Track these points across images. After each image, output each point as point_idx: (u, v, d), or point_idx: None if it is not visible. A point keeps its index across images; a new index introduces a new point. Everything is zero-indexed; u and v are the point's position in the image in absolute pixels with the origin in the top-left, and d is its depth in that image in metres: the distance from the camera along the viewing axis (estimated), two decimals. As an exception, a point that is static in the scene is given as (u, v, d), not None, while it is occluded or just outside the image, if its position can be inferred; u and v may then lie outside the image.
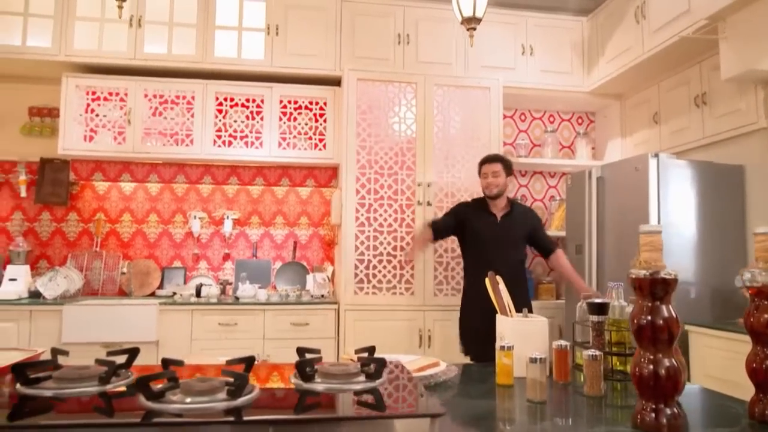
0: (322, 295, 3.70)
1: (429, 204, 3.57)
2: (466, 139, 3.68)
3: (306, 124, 3.80)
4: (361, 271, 3.51)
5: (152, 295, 3.73)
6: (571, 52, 3.97)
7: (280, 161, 3.79)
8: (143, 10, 3.59)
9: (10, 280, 3.51)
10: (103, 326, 3.31)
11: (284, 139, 3.75)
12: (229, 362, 0.85)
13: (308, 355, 0.98)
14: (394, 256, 3.55)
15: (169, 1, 3.62)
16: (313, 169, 4.03)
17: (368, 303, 3.49)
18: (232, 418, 0.69)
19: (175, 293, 3.62)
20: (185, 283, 3.86)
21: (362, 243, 3.52)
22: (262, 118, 3.73)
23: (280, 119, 3.74)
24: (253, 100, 3.75)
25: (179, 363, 0.86)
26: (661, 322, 0.87)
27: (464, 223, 3.06)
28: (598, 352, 1.14)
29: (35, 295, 3.43)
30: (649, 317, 0.88)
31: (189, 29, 3.63)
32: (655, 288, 0.88)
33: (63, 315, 3.25)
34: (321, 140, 3.79)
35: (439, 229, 3.08)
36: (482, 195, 3.10)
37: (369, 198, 3.55)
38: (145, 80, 3.61)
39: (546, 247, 3.09)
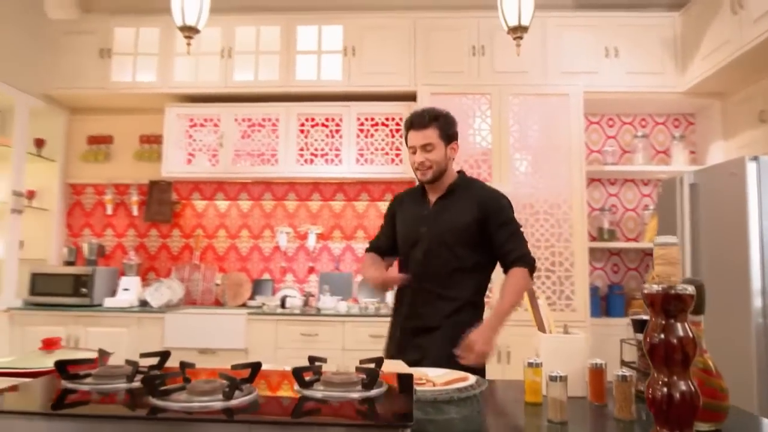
0: (400, 308, 3.73)
1: (506, 216, 3.49)
2: (545, 148, 3.56)
3: (383, 140, 3.89)
4: (437, 285, 3.50)
5: (243, 305, 3.99)
6: (661, 51, 3.71)
7: (359, 177, 3.90)
8: (233, 43, 3.90)
9: (124, 290, 3.93)
10: (199, 333, 3.60)
11: (362, 155, 3.86)
12: (234, 367, 0.91)
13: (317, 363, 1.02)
14: (471, 270, 3.50)
15: (255, 31, 3.90)
16: (391, 183, 4.10)
17: (444, 316, 3.47)
18: (217, 417, 0.75)
19: (263, 304, 3.84)
20: (273, 294, 4.08)
21: (438, 256, 3.52)
22: (341, 136, 3.88)
23: (358, 136, 3.87)
24: (333, 119, 3.91)
25: (191, 365, 0.95)
26: (675, 341, 0.80)
27: (395, 221, 2.08)
28: (628, 373, 1.06)
29: (143, 304, 3.81)
30: (662, 336, 0.81)
31: (273, 56, 3.88)
32: (668, 304, 0.81)
33: (165, 322, 3.58)
34: (397, 155, 3.86)
35: (381, 248, 2.11)
36: None
37: (444, 211, 3.54)
38: (235, 106, 3.91)
39: (500, 252, 1.86)
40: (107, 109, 4.26)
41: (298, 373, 0.91)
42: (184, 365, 0.96)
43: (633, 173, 3.98)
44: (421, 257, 1.88)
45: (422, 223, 1.91)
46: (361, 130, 3.89)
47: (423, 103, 3.61)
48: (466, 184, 1.99)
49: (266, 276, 4.16)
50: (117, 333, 3.60)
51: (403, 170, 3.82)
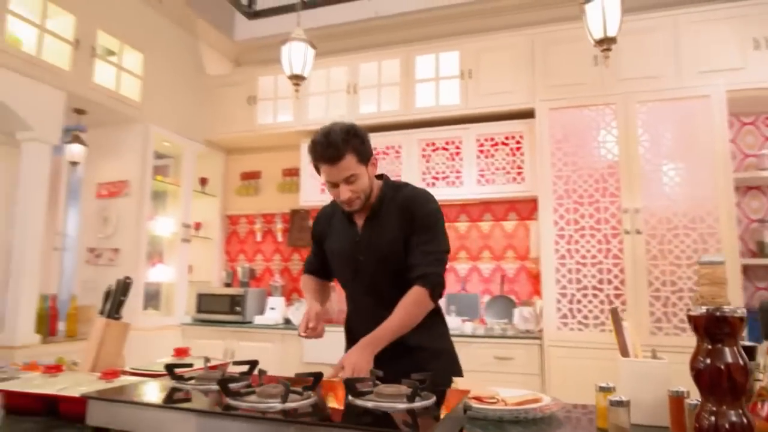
0: (528, 330, 3.64)
1: (639, 232, 3.25)
2: (682, 156, 3.26)
3: (503, 159, 3.86)
4: (564, 306, 3.37)
5: (374, 324, 4.18)
6: (827, 35, 3.20)
7: (480, 197, 3.92)
8: (357, 79, 4.20)
9: (271, 309, 4.37)
10: (334, 349, 3.85)
11: (482, 175, 3.87)
12: (298, 375, 1.03)
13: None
14: (601, 290, 3.31)
15: (377, 66, 4.16)
16: (515, 202, 4.04)
17: (573, 339, 3.31)
18: (272, 416, 0.87)
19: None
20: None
21: (564, 276, 3.39)
22: (461, 158, 3.93)
23: (478, 157, 3.89)
24: (452, 142, 3.99)
25: (264, 372, 1.09)
26: (721, 367, 0.73)
27: (323, 246, 1.89)
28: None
29: (287, 322, 4.20)
30: (708, 361, 0.74)
31: (393, 87, 4.09)
32: (713, 327, 0.74)
33: (304, 339, 3.90)
34: (519, 173, 3.80)
35: (318, 270, 1.96)
36: None
37: (569, 229, 3.41)
38: (361, 137, 4.18)
39: (410, 265, 1.65)
40: (255, 148, 4.83)
41: (349, 383, 1.00)
42: (261, 372, 1.11)
43: (800, 179, 3.44)
44: (365, 287, 1.73)
45: (356, 251, 1.73)
46: (481, 151, 3.91)
47: (541, 119, 3.54)
48: (392, 193, 1.74)
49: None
50: (264, 347, 4.01)
51: (525, 188, 3.75)
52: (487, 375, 3.42)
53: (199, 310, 4.37)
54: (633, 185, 3.29)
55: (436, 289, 1.64)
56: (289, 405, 0.94)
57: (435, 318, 1.77)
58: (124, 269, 3.91)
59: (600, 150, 3.42)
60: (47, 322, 3.39)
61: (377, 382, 1.08)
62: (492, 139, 3.89)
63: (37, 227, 3.23)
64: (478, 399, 1.22)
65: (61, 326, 3.53)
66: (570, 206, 3.42)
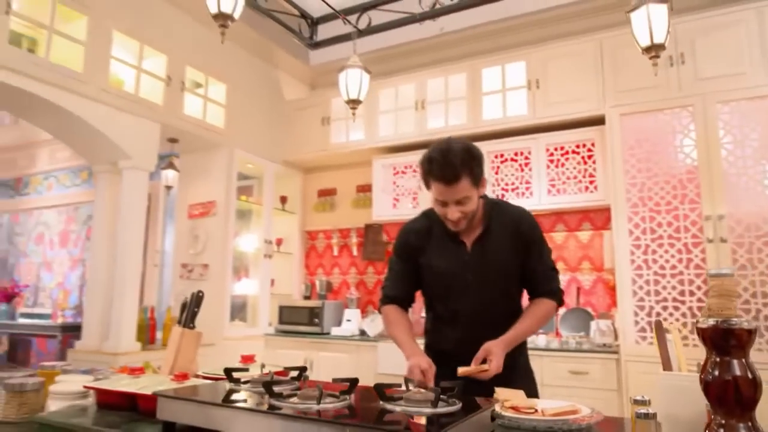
0: (605, 344, 3.51)
1: (723, 240, 3.05)
2: (770, 158, 3.03)
3: (575, 168, 3.78)
4: (642, 319, 3.23)
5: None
6: None
7: (551, 208, 3.85)
8: (425, 95, 4.29)
9: (347, 320, 4.52)
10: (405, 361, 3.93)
11: (553, 185, 3.81)
12: (335, 380, 1.12)
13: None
14: (682, 302, 3.13)
15: (444, 81, 4.23)
16: (588, 212, 3.92)
17: (654, 354, 3.14)
18: (306, 416, 0.97)
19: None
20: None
21: (641, 288, 3.25)
22: (530, 169, 3.90)
23: (548, 167, 3.83)
24: (521, 153, 3.96)
25: (306, 377, 1.20)
26: (729, 379, 0.72)
27: (419, 261, 1.83)
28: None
29: (362, 333, 4.33)
30: (716, 373, 0.73)
31: (460, 101, 4.14)
32: (721, 340, 0.73)
33: (378, 350, 4.01)
34: (591, 182, 3.70)
35: (404, 298, 1.90)
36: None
37: (645, 238, 3.27)
38: (429, 151, 4.26)
39: (532, 282, 1.75)
40: (330, 166, 5.05)
41: (379, 389, 1.08)
42: (305, 377, 1.21)
43: None
44: (469, 304, 1.73)
45: (466, 270, 1.72)
46: (551, 161, 3.85)
47: (612, 125, 3.44)
48: (496, 212, 1.77)
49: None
50: (340, 358, 4.17)
51: (598, 197, 3.64)
52: (562, 390, 3.34)
53: (281, 322, 4.61)
54: (715, 190, 3.11)
55: (561, 304, 1.77)
56: (324, 406, 1.03)
57: (524, 343, 1.85)
58: (213, 283, 4.23)
59: (677, 155, 3.26)
60: (147, 332, 3.75)
61: (413, 388, 1.14)
62: (562, 148, 3.82)
63: (136, 246, 3.61)
64: (516, 409, 1.25)
65: (159, 335, 3.89)
66: (645, 214, 3.28)
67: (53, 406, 1.46)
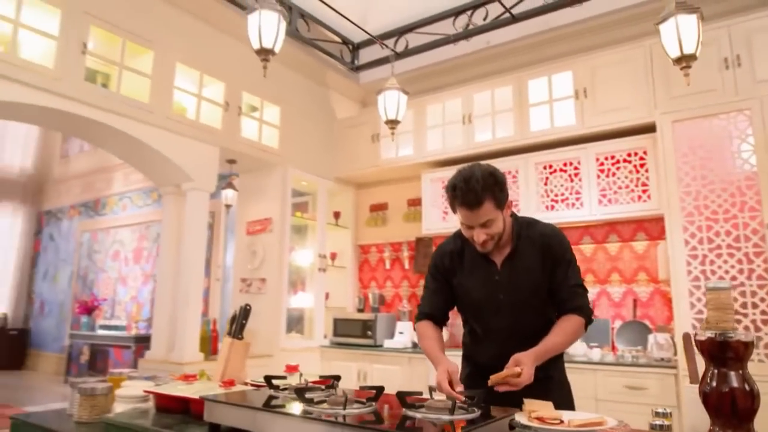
0: (662, 358, 3.39)
1: (788, 249, 2.90)
2: (838, 161, 2.87)
3: (626, 177, 3.70)
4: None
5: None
6: None
7: (603, 218, 3.78)
8: (472, 108, 4.33)
9: (399, 333, 4.59)
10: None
11: (604, 195, 3.74)
12: (362, 388, 1.19)
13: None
14: (745, 315, 2.99)
15: (490, 95, 4.26)
16: (643, 221, 3.81)
17: (715, 369, 3.02)
18: (331, 419, 1.06)
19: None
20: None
21: (699, 300, 3.13)
22: (580, 179, 3.85)
23: (598, 177, 3.77)
24: (570, 163, 3.92)
25: (337, 385, 1.28)
26: (726, 390, 0.73)
27: (452, 281, 1.88)
28: None
29: (414, 346, 4.38)
30: (714, 385, 0.74)
31: (507, 113, 4.16)
32: (717, 352, 0.75)
33: (429, 362, 4.04)
34: (644, 191, 3.61)
35: (438, 315, 1.94)
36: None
37: (702, 248, 3.16)
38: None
39: (559, 298, 1.76)
40: (381, 181, 5.17)
41: (401, 396, 1.15)
42: (335, 386, 1.30)
43: None
44: (508, 324, 1.77)
45: (497, 290, 1.78)
46: (602, 170, 3.78)
47: (663, 133, 3.36)
48: (526, 231, 1.81)
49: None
50: (392, 370, 4.23)
51: (652, 206, 3.55)
52: (617, 405, 3.25)
53: (336, 334, 4.74)
54: (777, 197, 2.96)
55: (590, 321, 1.77)
56: (350, 411, 1.11)
57: (560, 357, 1.87)
58: (270, 297, 4.43)
59: (734, 161, 3.13)
60: (209, 343, 3.97)
61: (435, 397, 1.21)
62: (612, 157, 3.75)
63: (198, 262, 3.84)
64: (541, 420, 1.27)
65: (221, 346, 4.10)
66: (702, 223, 3.17)
67: (119, 408, 1.62)
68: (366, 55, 2.30)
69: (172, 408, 1.51)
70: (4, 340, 8.69)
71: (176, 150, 3.70)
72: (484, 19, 2.05)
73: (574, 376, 3.45)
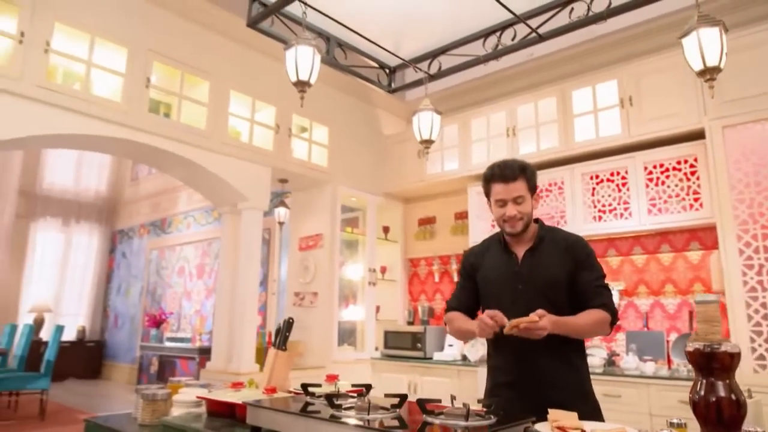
0: (721, 372, 3.26)
1: None
2: None
3: (677, 186, 3.61)
4: (760, 345, 2.98)
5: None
6: None
7: (652, 228, 3.70)
8: (516, 121, 4.36)
9: (449, 345, 4.62)
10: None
11: (654, 204, 3.66)
12: (386, 395, 1.28)
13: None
14: (807, 327, 2.86)
15: (534, 107, 4.27)
16: (696, 231, 3.70)
17: (775, 384, 2.89)
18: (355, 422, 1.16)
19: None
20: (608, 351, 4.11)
21: (756, 311, 3.01)
22: (628, 189, 3.78)
23: (647, 186, 3.70)
24: (617, 173, 3.86)
25: (366, 393, 1.37)
26: (713, 400, 0.76)
27: (476, 277, 2.01)
28: None
29: (464, 358, 4.41)
30: (702, 394, 0.77)
31: (551, 125, 4.15)
32: (704, 362, 0.78)
33: (478, 374, 4.07)
34: (696, 199, 3.51)
35: (466, 307, 2.03)
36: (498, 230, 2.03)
37: (758, 258, 3.04)
38: (522, 177, 4.29)
39: (585, 296, 1.81)
40: (428, 196, 5.25)
41: (421, 403, 1.23)
42: (363, 395, 1.40)
43: None
44: (524, 314, 1.77)
45: (517, 280, 1.87)
46: (650, 179, 3.71)
47: (713, 139, 3.27)
48: (549, 233, 1.93)
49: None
50: (442, 382, 4.27)
51: (704, 215, 3.44)
52: (673, 421, 3.15)
53: (386, 346, 4.83)
54: (839, 203, 2.82)
55: (615, 319, 1.82)
56: (373, 417, 1.21)
57: (584, 358, 1.93)
58: (322, 310, 4.58)
59: (791, 166, 3.01)
60: (264, 354, 4.16)
61: (454, 405, 1.28)
62: (661, 165, 3.68)
63: (253, 277, 4.05)
64: (562, 429, 1.31)
65: (267, 356, 4.29)
66: (757, 232, 3.06)
67: (176, 411, 1.78)
68: (404, 77, 2.41)
69: (221, 412, 1.65)
70: (83, 351, 9.35)
71: (231, 172, 3.94)
72: (512, 39, 2.12)
73: (626, 390, 3.42)
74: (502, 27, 2.15)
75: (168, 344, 7.50)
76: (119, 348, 9.31)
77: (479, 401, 1.47)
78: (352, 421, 1.18)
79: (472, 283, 2.01)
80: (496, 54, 2.12)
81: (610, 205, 3.89)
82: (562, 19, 2.03)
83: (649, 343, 3.77)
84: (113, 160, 9.99)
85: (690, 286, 3.76)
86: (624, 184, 3.82)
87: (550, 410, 1.51)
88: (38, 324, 8.23)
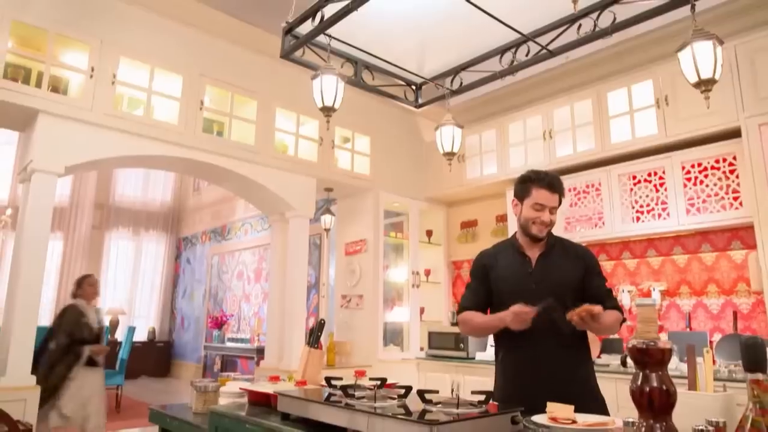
0: (764, 373, 3.22)
1: None
2: None
3: (715, 185, 3.57)
4: (802, 346, 2.93)
5: (591, 363, 4.17)
6: None
7: (691, 228, 3.67)
8: (552, 125, 4.42)
9: (491, 346, 4.72)
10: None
11: (692, 204, 3.64)
12: (419, 391, 1.47)
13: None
14: None
15: (569, 109, 4.31)
16: (738, 230, 3.64)
17: (819, 386, 2.84)
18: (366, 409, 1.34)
19: (608, 364, 3.95)
20: (622, 352, 4.11)
21: (797, 311, 2.96)
22: (665, 189, 3.77)
23: (685, 185, 3.68)
24: (655, 173, 3.86)
25: (381, 386, 1.56)
26: (647, 389, 0.88)
27: (489, 277, 2.09)
28: (702, 426, 1.01)
29: (505, 359, 4.49)
30: (638, 383, 0.90)
31: (587, 127, 4.19)
32: (640, 357, 0.90)
33: (519, 375, 4.15)
34: (735, 198, 3.47)
35: (479, 307, 2.10)
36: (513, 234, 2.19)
37: (798, 256, 2.99)
38: (559, 179, 4.35)
39: (598, 298, 1.91)
40: (469, 199, 5.37)
41: (421, 394, 1.40)
42: (379, 387, 1.59)
43: None
44: (539, 316, 1.88)
45: (530, 280, 2.00)
46: (688, 179, 3.69)
47: (749, 137, 3.24)
48: (559, 242, 2.09)
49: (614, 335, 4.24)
50: (484, 381, 4.38)
51: (745, 213, 3.40)
52: (713, 421, 3.14)
53: (430, 347, 4.99)
54: None
55: (624, 320, 2.01)
56: (380, 405, 1.39)
57: (590, 356, 2.06)
58: (367, 312, 4.80)
59: (829, 163, 2.94)
60: (313, 354, 4.42)
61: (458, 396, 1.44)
62: (699, 165, 3.65)
63: (301, 281, 4.33)
64: (554, 420, 1.44)
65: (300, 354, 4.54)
66: (796, 231, 3.00)
67: (222, 401, 2.03)
68: (430, 91, 2.56)
69: (260, 401, 1.88)
70: (153, 351, 10.04)
71: (279, 183, 4.23)
72: (526, 55, 2.24)
73: (665, 391, 3.40)
74: (516, 44, 2.28)
75: (229, 344, 7.96)
76: (186, 348, 9.93)
77: (473, 392, 1.61)
78: (363, 408, 1.37)
79: (485, 284, 2.11)
80: (512, 69, 2.25)
81: (648, 205, 3.88)
82: (571, 34, 2.14)
83: (692, 344, 3.74)
84: (177, 173, 10.67)
85: (734, 286, 3.71)
86: (662, 185, 3.81)
87: (549, 404, 1.64)
88: (114, 326, 8.92)
